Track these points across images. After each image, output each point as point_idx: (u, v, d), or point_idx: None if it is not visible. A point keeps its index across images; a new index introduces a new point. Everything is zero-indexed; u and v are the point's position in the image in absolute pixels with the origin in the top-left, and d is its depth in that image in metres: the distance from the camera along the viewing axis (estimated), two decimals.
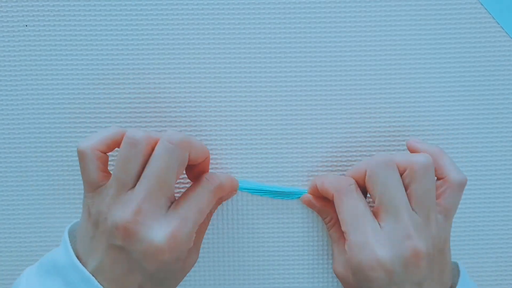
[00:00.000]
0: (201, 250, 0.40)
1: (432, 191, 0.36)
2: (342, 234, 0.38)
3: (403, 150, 0.41)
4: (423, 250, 0.34)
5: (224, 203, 0.41)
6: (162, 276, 0.34)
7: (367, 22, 0.40)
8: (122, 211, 0.32)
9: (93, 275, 0.33)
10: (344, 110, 0.41)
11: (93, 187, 0.34)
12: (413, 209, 0.35)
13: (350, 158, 0.41)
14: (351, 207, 0.36)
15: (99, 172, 0.34)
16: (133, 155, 0.33)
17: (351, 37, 0.40)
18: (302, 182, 0.41)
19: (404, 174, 0.36)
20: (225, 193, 0.37)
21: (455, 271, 0.38)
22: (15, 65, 0.40)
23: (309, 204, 0.41)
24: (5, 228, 0.42)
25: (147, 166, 0.33)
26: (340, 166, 0.41)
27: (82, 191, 0.41)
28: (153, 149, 0.34)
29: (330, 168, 0.41)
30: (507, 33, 0.40)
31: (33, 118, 0.41)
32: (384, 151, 0.41)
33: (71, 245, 0.34)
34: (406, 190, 0.36)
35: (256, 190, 0.41)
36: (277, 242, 0.42)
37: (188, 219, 0.34)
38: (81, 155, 0.34)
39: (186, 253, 0.35)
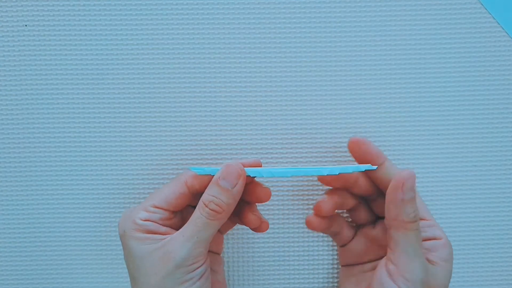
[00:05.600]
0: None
1: None
2: None
3: (402, 150, 0.41)
4: None
5: None
6: None
7: (367, 22, 0.40)
8: None
9: None
10: (343, 110, 0.41)
11: None
12: None
13: (349, 159, 0.41)
14: None
15: None
16: None
17: (351, 37, 0.40)
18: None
19: None
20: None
21: None
22: (15, 65, 0.40)
23: None
24: (5, 228, 0.42)
25: None
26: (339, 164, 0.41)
27: (82, 190, 0.41)
28: None
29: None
30: (507, 33, 0.40)
31: (33, 118, 0.41)
32: (383, 150, 0.41)
33: None
34: None
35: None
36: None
37: None
38: None
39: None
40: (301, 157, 0.41)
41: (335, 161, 0.41)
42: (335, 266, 0.42)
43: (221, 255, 0.40)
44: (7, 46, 0.40)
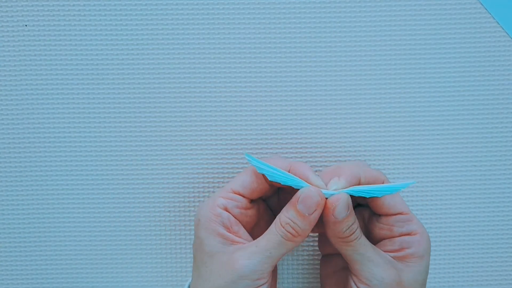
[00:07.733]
0: None
1: None
2: None
3: (402, 150, 0.41)
4: None
5: None
6: None
7: (367, 22, 0.40)
8: None
9: None
10: (344, 110, 0.41)
11: None
12: None
13: (349, 159, 0.41)
14: None
15: None
16: None
17: (351, 37, 0.40)
18: None
19: None
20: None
21: None
22: (15, 65, 0.40)
23: None
24: (5, 228, 0.42)
25: None
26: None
27: (83, 190, 0.41)
28: None
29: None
30: (507, 33, 0.40)
31: (33, 118, 0.41)
32: (383, 150, 0.41)
33: None
34: None
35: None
36: None
37: None
38: None
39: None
40: (301, 157, 0.41)
41: (335, 161, 0.41)
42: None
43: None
44: (7, 46, 0.40)
